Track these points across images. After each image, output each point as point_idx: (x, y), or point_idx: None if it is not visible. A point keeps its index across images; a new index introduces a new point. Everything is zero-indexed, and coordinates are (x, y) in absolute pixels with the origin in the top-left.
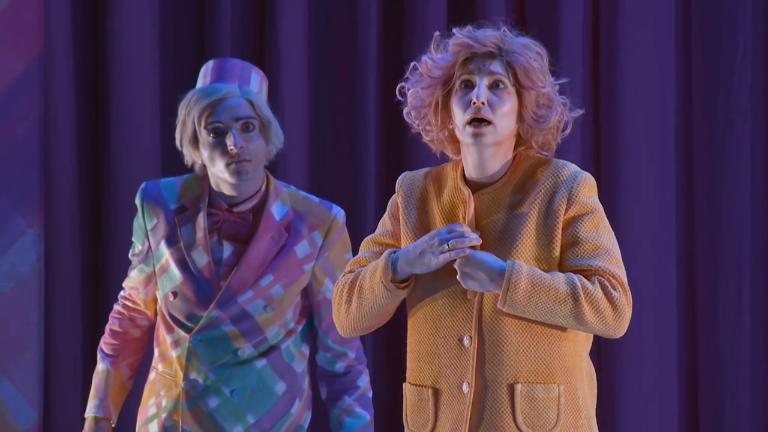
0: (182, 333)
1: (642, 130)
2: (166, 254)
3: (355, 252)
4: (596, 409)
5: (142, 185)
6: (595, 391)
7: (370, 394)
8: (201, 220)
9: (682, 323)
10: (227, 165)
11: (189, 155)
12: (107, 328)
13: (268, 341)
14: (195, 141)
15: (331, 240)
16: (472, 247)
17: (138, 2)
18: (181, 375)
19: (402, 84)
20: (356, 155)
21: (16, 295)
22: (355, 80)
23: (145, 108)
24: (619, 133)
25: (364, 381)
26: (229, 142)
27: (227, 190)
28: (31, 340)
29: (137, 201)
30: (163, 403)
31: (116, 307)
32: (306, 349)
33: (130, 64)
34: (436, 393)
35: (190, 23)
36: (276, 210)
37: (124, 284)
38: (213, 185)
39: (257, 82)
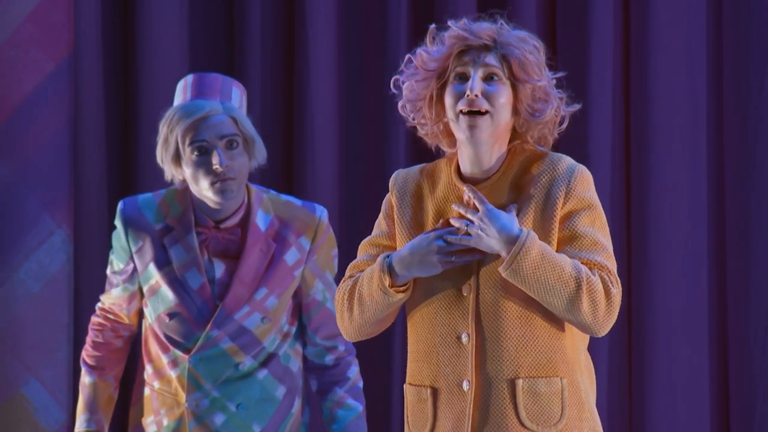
0: (179, 353)
1: (673, 131)
2: (156, 276)
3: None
4: (627, 410)
5: (120, 205)
6: (595, 384)
7: (361, 384)
8: (192, 241)
9: (713, 322)
10: (212, 184)
11: (170, 172)
12: (89, 340)
13: (266, 350)
14: (177, 159)
15: (318, 243)
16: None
17: (167, 2)
18: (183, 395)
19: (396, 77)
20: (387, 157)
21: (46, 296)
22: (385, 80)
23: None
24: (650, 134)
25: (354, 372)
26: (215, 161)
27: (212, 206)
28: (61, 341)
29: (118, 222)
30: (165, 422)
31: (96, 318)
32: (300, 347)
33: (159, 64)
34: (435, 392)
35: (219, 23)
36: (261, 221)
37: (102, 299)
38: (195, 202)
39: (238, 97)
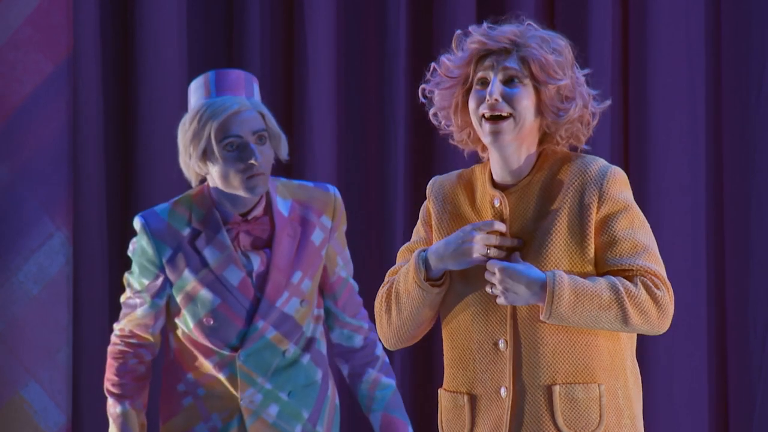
0: (226, 353)
1: (672, 131)
2: (192, 281)
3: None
4: None
5: (141, 220)
6: (641, 390)
7: (387, 359)
8: (224, 239)
9: (712, 324)
10: (246, 179)
11: (194, 170)
12: (113, 368)
13: (305, 335)
14: (205, 156)
15: (338, 220)
16: (510, 253)
17: (166, 3)
18: (236, 394)
19: (423, 86)
20: (385, 156)
21: (45, 298)
22: (384, 80)
23: (173, 110)
24: (649, 134)
25: (380, 348)
26: (252, 156)
27: (232, 201)
28: (60, 343)
29: (142, 237)
30: (219, 426)
31: (116, 347)
32: (324, 329)
33: (158, 66)
34: (473, 399)
35: (218, 25)
36: (282, 207)
37: (122, 325)
38: (216, 199)
39: (258, 93)
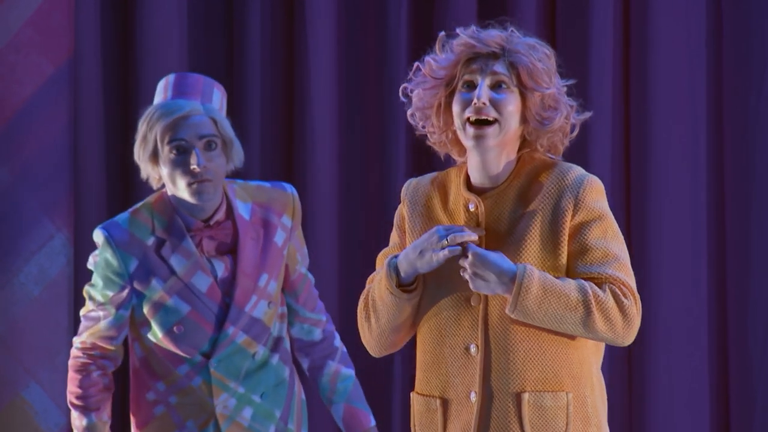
0: (197, 360)
1: (673, 132)
2: (159, 291)
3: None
4: (627, 414)
5: (103, 233)
6: (606, 400)
7: (345, 349)
8: (188, 246)
9: (713, 326)
10: (189, 185)
11: (146, 171)
12: (76, 381)
13: (272, 335)
14: (155, 157)
15: (297, 218)
16: (479, 245)
17: (167, 4)
18: (209, 400)
19: (405, 85)
20: (386, 156)
21: (46, 299)
22: (385, 81)
23: None
24: (650, 136)
25: (338, 338)
26: (193, 161)
27: (191, 208)
28: (61, 344)
29: (106, 249)
30: None
31: (79, 360)
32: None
33: (158, 68)
34: (445, 403)
35: (218, 27)
36: (243, 210)
37: (83, 338)
38: (176, 205)
39: (218, 99)
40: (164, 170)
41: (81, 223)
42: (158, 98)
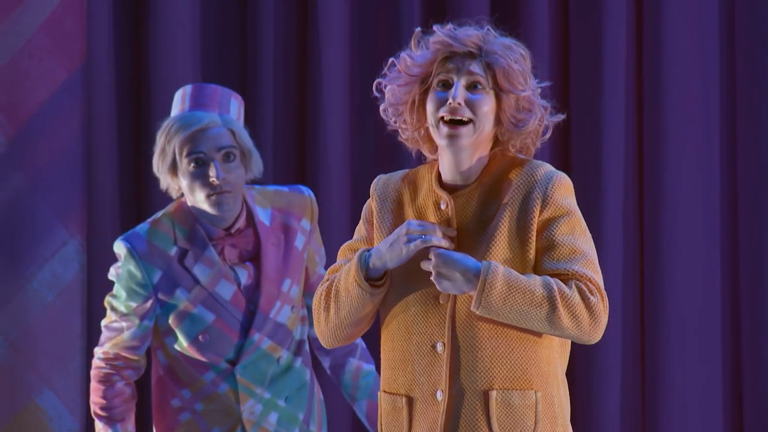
0: (223, 367)
1: (686, 137)
2: (184, 301)
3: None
4: (640, 415)
5: (126, 244)
6: (569, 399)
7: (365, 344)
8: (211, 255)
9: (726, 329)
10: (208, 196)
11: (166, 182)
12: (100, 391)
13: (295, 339)
14: (174, 169)
15: (315, 220)
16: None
17: (180, 10)
18: (235, 407)
19: (378, 80)
20: (399, 158)
21: (59, 305)
22: None
23: None
24: (663, 138)
25: None
26: (212, 173)
27: (211, 217)
28: (74, 350)
29: (128, 261)
30: None
31: (102, 370)
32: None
33: (171, 73)
34: (410, 401)
35: (231, 31)
36: (263, 216)
37: (105, 348)
38: (196, 215)
39: (236, 109)
40: (183, 182)
41: (94, 229)
42: (176, 109)
